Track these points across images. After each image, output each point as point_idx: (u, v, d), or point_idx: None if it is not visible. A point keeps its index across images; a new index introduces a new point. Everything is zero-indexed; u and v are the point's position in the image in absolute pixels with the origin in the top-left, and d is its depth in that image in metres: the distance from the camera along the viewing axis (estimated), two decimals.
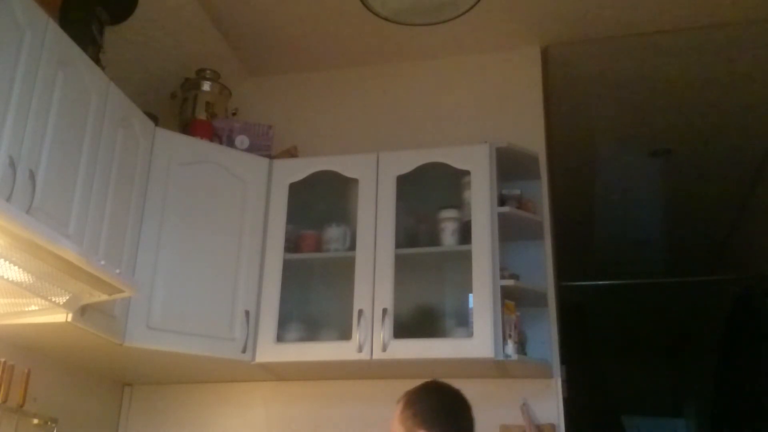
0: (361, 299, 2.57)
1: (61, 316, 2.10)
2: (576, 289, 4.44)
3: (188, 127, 2.91)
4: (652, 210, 4.80)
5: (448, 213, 2.70)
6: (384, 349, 2.49)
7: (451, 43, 3.16)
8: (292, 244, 2.78)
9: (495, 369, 2.56)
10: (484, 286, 2.49)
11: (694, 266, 5.36)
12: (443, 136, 3.04)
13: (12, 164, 1.90)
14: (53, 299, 1.98)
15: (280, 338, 2.62)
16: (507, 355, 2.44)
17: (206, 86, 3.03)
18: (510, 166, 2.77)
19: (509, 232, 2.68)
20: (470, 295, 2.52)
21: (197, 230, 2.62)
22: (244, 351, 2.57)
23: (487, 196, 2.61)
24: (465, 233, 2.63)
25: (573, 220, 4.46)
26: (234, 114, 3.12)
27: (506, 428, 2.58)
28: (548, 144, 3.04)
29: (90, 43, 2.41)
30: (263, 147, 2.94)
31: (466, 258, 2.56)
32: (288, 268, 2.71)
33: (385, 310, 2.53)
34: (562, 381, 2.66)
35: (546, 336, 2.70)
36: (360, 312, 2.55)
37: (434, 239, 2.70)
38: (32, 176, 1.98)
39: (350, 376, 2.74)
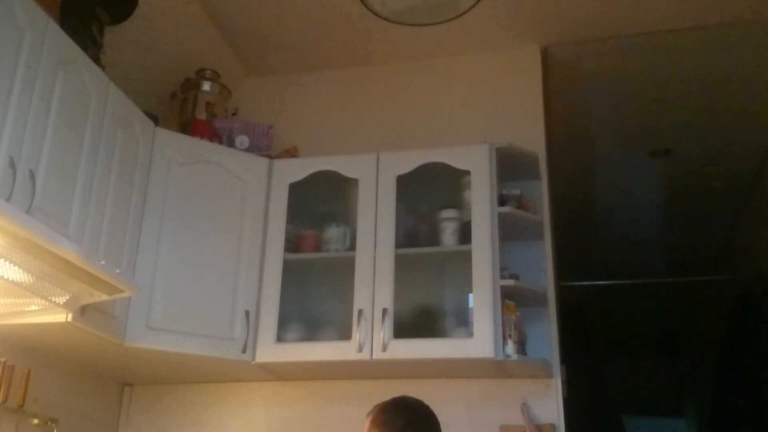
0: (361, 299, 2.57)
1: (61, 316, 2.10)
2: (576, 289, 4.44)
3: (188, 127, 2.91)
4: (652, 210, 4.79)
5: (448, 213, 2.70)
6: (384, 349, 2.49)
7: (451, 43, 3.16)
8: (292, 244, 2.78)
9: (495, 369, 2.56)
10: (484, 286, 2.49)
11: (694, 266, 5.36)
12: (443, 136, 3.04)
13: (12, 164, 1.90)
14: (53, 299, 1.98)
15: (280, 338, 2.62)
16: (507, 355, 2.44)
17: (206, 86, 3.02)
18: (510, 166, 2.77)
19: (509, 232, 2.68)
20: (470, 295, 2.52)
21: (197, 230, 2.62)
22: (244, 351, 2.57)
23: (487, 196, 2.61)
24: (465, 233, 2.63)
25: (573, 220, 4.45)
26: (234, 114, 3.12)
27: (506, 428, 2.58)
28: (548, 144, 3.04)
29: (90, 43, 2.41)
30: (263, 147, 2.94)
31: (466, 258, 2.56)
32: (288, 268, 2.71)
33: (385, 310, 2.53)
34: (562, 381, 2.66)
35: (546, 336, 2.70)
36: (360, 312, 2.55)
37: (434, 239, 2.70)
38: (32, 176, 1.98)
39: (350, 376, 2.74)
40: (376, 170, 2.75)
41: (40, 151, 2.03)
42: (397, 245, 2.64)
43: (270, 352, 2.60)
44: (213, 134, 2.92)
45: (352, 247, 2.68)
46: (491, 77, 3.18)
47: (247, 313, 2.61)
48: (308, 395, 2.82)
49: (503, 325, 2.47)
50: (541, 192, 2.89)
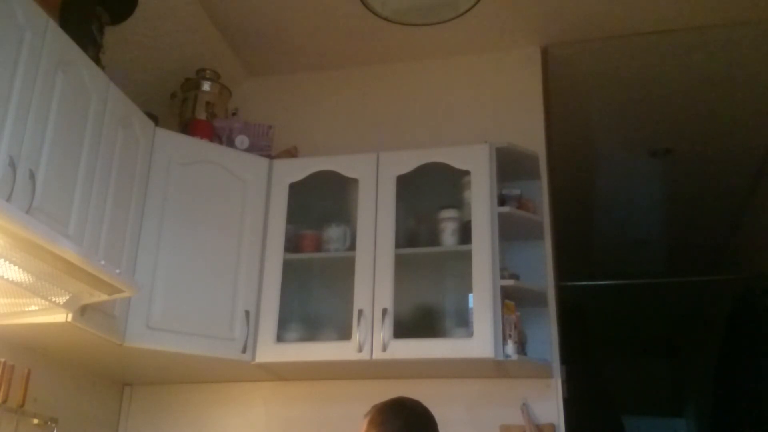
0: (361, 299, 2.57)
1: (61, 316, 2.10)
2: (576, 289, 4.43)
3: (188, 127, 2.91)
4: (652, 210, 4.80)
5: (448, 213, 2.70)
6: (384, 349, 2.49)
7: (451, 43, 3.16)
8: (292, 244, 2.78)
9: (495, 369, 2.56)
10: (484, 286, 2.49)
11: (694, 266, 5.36)
12: (443, 136, 3.04)
13: (12, 164, 1.90)
14: (53, 299, 1.98)
15: (280, 338, 2.62)
16: (507, 355, 2.44)
17: (206, 86, 3.02)
18: (510, 166, 2.77)
19: (509, 232, 2.68)
20: (470, 295, 2.52)
21: (197, 230, 2.62)
22: (244, 351, 2.57)
23: (487, 196, 2.61)
24: (465, 233, 2.63)
25: (573, 220, 4.45)
26: (234, 114, 3.12)
27: (506, 428, 2.58)
28: (548, 144, 3.04)
29: (90, 43, 2.41)
30: (263, 147, 2.95)
31: (466, 258, 2.56)
32: (288, 268, 2.71)
33: (385, 310, 2.53)
34: (562, 381, 2.66)
35: (546, 336, 2.70)
36: (360, 312, 2.55)
37: (434, 239, 2.70)
38: (32, 176, 1.98)
39: (350, 376, 2.74)
40: (376, 170, 2.75)
41: (40, 151, 2.04)
42: (397, 245, 2.64)
43: (270, 352, 2.60)
44: (213, 134, 2.92)
45: (352, 247, 2.68)
46: (491, 77, 3.18)
47: (247, 313, 2.61)
48: (308, 395, 2.82)
49: (503, 325, 2.47)
50: (541, 192, 2.89)
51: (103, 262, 1.95)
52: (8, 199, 1.87)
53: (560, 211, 3.39)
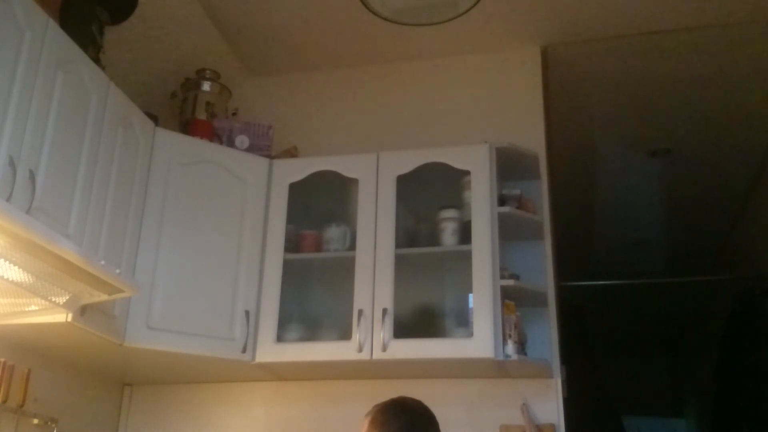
0: (361, 299, 2.57)
1: (61, 316, 2.10)
2: (576, 289, 4.43)
3: (188, 127, 2.91)
4: (652, 210, 4.80)
5: (448, 213, 2.70)
6: (384, 349, 2.49)
7: (451, 43, 3.16)
8: (292, 244, 2.78)
9: (495, 369, 2.56)
10: (484, 286, 2.49)
11: (694, 266, 5.36)
12: (443, 136, 3.04)
13: (12, 164, 1.90)
14: (53, 299, 1.98)
15: (280, 338, 2.62)
16: (507, 355, 2.44)
17: (206, 86, 3.03)
18: (510, 166, 2.78)
19: (509, 232, 2.68)
20: (470, 295, 2.52)
21: (197, 230, 2.62)
22: (244, 351, 2.57)
23: (487, 196, 2.61)
24: (465, 233, 2.63)
25: (573, 220, 4.45)
26: (234, 114, 3.13)
27: (506, 428, 2.58)
28: (548, 144, 3.04)
29: (90, 43, 2.41)
30: (263, 147, 2.95)
31: (466, 258, 2.56)
32: (288, 268, 2.71)
33: (385, 310, 2.53)
34: (562, 381, 2.66)
35: (546, 336, 2.70)
36: (360, 312, 2.55)
37: (434, 239, 2.70)
38: (32, 176, 1.98)
39: (350, 376, 2.74)
40: (376, 170, 2.75)
41: (40, 151, 2.04)
42: (397, 245, 2.64)
43: (270, 352, 2.60)
44: (213, 134, 2.92)
45: (352, 247, 2.68)
46: (491, 77, 3.18)
47: (247, 313, 2.61)
48: (308, 395, 2.82)
49: (503, 325, 2.47)
50: (541, 192, 2.89)
51: (103, 262, 1.95)
52: (8, 199, 1.87)
53: (560, 211, 3.39)
